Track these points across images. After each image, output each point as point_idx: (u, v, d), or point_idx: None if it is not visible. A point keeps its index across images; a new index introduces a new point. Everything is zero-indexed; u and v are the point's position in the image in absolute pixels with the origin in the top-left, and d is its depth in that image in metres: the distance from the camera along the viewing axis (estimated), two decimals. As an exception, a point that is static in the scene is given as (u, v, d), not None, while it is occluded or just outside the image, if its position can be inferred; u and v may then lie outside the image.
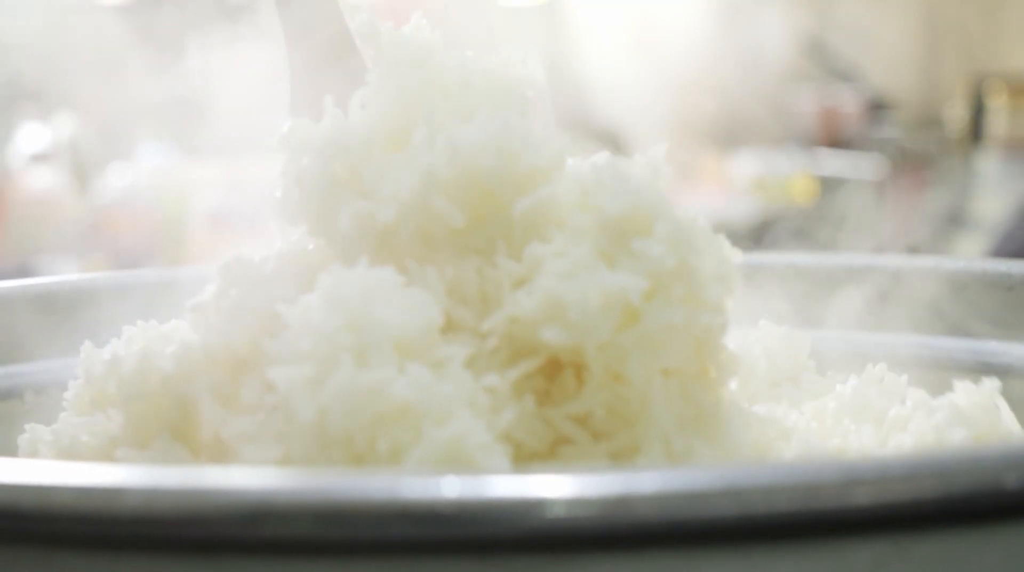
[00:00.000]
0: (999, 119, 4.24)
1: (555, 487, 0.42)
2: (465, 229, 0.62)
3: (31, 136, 4.42)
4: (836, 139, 4.41)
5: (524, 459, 0.58)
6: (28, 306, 0.89)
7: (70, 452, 0.66)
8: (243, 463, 0.56)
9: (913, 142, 4.42)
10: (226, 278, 0.64)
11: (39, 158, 4.37)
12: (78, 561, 0.43)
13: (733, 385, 0.65)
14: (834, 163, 4.15)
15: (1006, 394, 0.70)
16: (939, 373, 0.82)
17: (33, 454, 0.69)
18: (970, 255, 3.75)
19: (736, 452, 0.60)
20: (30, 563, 0.44)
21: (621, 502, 0.41)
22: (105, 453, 0.64)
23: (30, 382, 0.86)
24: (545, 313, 0.58)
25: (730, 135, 4.17)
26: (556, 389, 0.60)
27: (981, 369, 0.86)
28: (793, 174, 4.12)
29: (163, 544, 0.42)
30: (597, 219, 0.60)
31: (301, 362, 0.56)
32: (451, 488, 0.42)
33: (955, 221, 4.05)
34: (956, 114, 4.51)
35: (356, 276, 0.58)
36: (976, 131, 4.34)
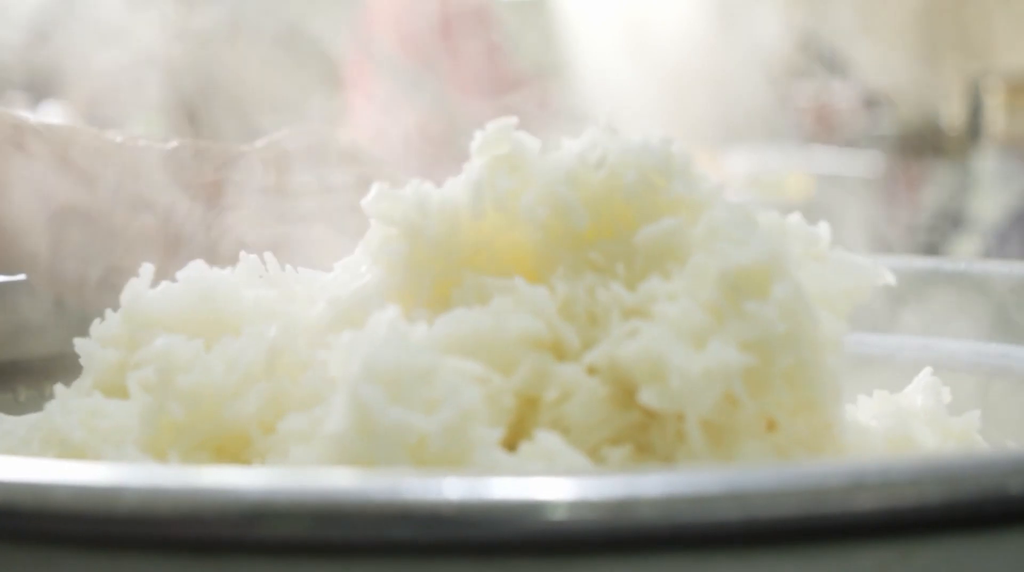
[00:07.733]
0: (997, 117, 4.25)
1: (558, 489, 0.41)
2: (587, 238, 0.60)
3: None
4: (832, 136, 4.41)
5: None
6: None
7: (61, 446, 0.63)
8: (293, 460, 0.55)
9: (910, 139, 4.43)
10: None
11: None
12: (75, 561, 0.43)
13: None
14: (830, 160, 4.15)
15: (1006, 396, 0.70)
16: (939, 375, 0.82)
17: None
18: (967, 254, 3.75)
19: None
20: (26, 562, 0.43)
21: (625, 505, 0.41)
22: (98, 451, 0.62)
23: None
24: (645, 367, 0.55)
25: (725, 131, 4.17)
26: (656, 426, 0.57)
27: (981, 371, 0.86)
28: (788, 171, 4.11)
29: (161, 544, 0.42)
30: (717, 266, 0.57)
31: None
32: (453, 490, 0.41)
33: (952, 219, 4.05)
34: (953, 112, 4.52)
35: (369, 331, 0.55)
36: (974, 129, 4.34)
